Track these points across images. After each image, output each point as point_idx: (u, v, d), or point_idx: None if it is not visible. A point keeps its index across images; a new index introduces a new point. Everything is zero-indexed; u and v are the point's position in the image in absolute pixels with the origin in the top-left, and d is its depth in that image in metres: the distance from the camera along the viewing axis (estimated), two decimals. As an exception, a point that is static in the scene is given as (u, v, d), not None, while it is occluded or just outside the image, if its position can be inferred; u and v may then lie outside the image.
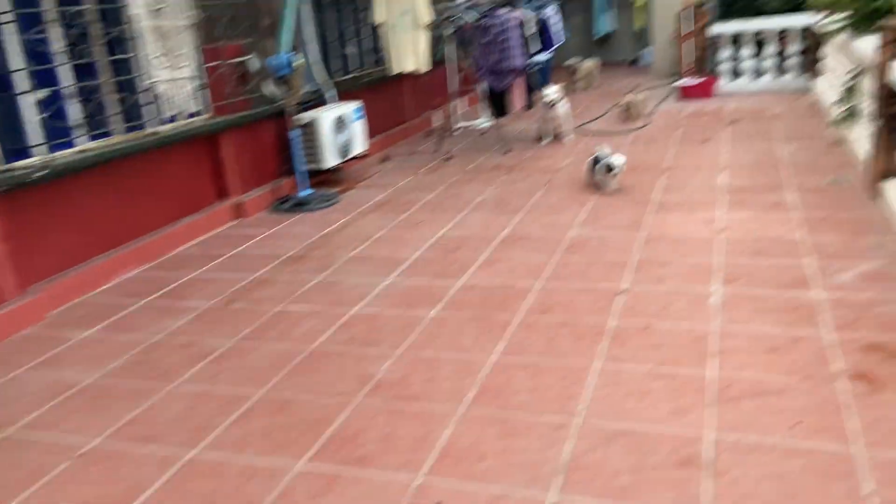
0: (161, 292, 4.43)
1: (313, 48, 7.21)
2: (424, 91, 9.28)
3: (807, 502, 2.14)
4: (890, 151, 4.56)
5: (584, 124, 8.49)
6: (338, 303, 3.98)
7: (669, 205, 5.14)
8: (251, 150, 6.12)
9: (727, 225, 4.57)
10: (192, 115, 5.46)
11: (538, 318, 3.54)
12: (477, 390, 2.92)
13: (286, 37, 6.05)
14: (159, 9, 5.03)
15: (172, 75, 5.18)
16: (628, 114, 8.45)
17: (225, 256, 5.01)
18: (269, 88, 5.92)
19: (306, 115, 6.36)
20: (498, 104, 8.09)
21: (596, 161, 5.63)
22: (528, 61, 7.76)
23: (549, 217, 5.15)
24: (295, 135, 6.11)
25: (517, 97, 8.46)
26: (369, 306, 3.90)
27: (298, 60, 5.89)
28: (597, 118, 8.82)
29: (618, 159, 5.39)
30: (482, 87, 7.90)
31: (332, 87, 7.15)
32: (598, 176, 5.51)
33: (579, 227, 4.86)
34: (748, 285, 3.66)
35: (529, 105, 8.47)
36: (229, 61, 5.76)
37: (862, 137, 5.47)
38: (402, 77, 8.23)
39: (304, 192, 6.16)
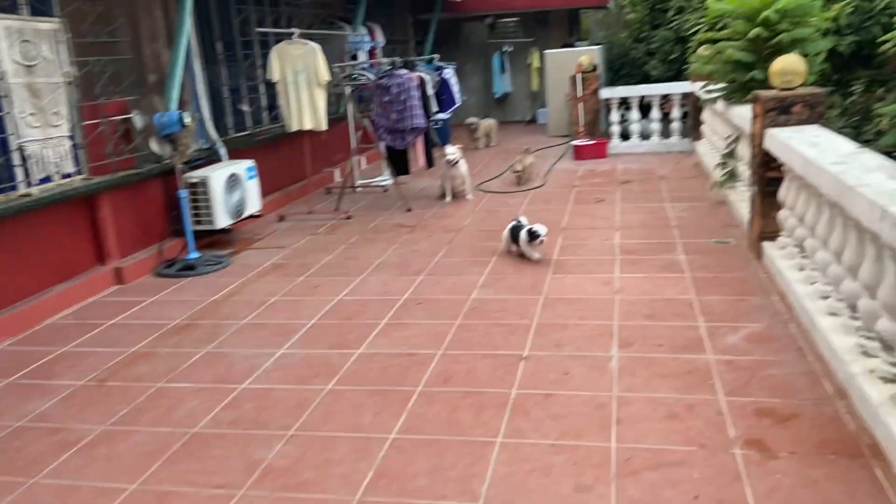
0: (26, 370, 4.03)
1: (204, 104, 6.98)
2: (324, 148, 9.18)
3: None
4: (767, 214, 4.82)
5: (483, 183, 8.60)
6: (225, 378, 3.72)
7: (567, 265, 5.21)
8: (135, 211, 5.78)
9: (622, 286, 4.65)
10: (67, 176, 5.09)
11: (440, 390, 3.42)
12: (374, 474, 2.75)
13: (175, 93, 5.81)
14: (32, 65, 4.70)
15: (46, 134, 4.83)
16: (521, 177, 8.59)
17: (101, 327, 4.63)
18: (156, 146, 5.63)
19: (196, 174, 6.09)
20: (398, 162, 8.08)
21: (515, 230, 5.50)
22: (430, 120, 7.82)
23: (451, 279, 5.09)
24: (183, 194, 5.82)
25: (418, 155, 8.49)
26: (260, 381, 3.66)
27: (189, 117, 5.65)
28: (494, 178, 8.94)
29: (541, 228, 5.34)
30: (383, 145, 7.88)
31: (223, 145, 6.91)
32: (523, 245, 5.41)
33: (481, 289, 4.82)
34: (644, 349, 3.70)
35: (430, 163, 8.52)
36: (110, 119, 5.45)
37: (742, 199, 5.78)
38: (300, 134, 8.10)
39: (193, 255, 5.85)
